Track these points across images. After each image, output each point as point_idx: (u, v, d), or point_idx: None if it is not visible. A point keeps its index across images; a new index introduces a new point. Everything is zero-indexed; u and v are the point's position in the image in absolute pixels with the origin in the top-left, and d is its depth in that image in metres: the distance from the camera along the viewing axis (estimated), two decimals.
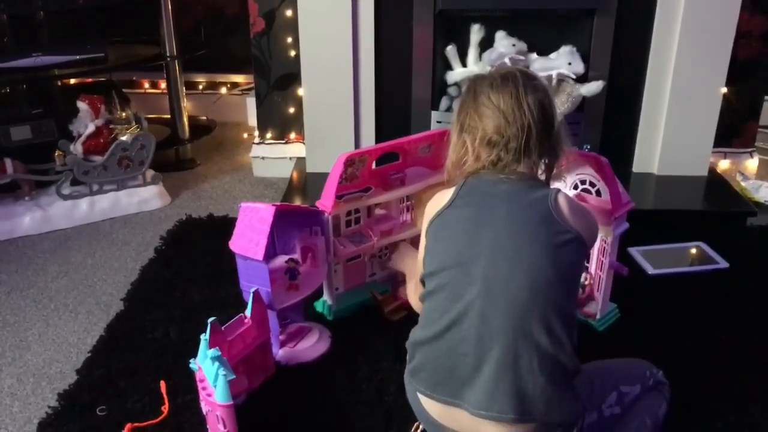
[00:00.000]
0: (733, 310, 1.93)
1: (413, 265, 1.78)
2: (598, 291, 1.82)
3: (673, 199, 2.57)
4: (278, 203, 1.65)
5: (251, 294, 1.58)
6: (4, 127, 2.56)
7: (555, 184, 1.61)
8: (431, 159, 1.96)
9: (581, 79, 2.47)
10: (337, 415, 1.55)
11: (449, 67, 2.56)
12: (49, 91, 2.89)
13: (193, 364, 1.46)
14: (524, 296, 1.23)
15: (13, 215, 2.45)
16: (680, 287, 2.04)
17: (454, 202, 1.33)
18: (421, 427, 1.45)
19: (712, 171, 2.72)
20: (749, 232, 2.39)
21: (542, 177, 1.37)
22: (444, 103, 2.61)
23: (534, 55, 2.49)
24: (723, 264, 2.15)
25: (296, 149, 2.90)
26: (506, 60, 2.40)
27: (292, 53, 2.75)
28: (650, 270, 2.12)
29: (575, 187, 1.80)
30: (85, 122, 2.56)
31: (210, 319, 1.44)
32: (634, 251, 2.20)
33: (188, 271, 2.13)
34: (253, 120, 3.12)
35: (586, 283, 1.84)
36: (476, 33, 2.48)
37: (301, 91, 2.69)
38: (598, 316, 1.83)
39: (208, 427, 1.44)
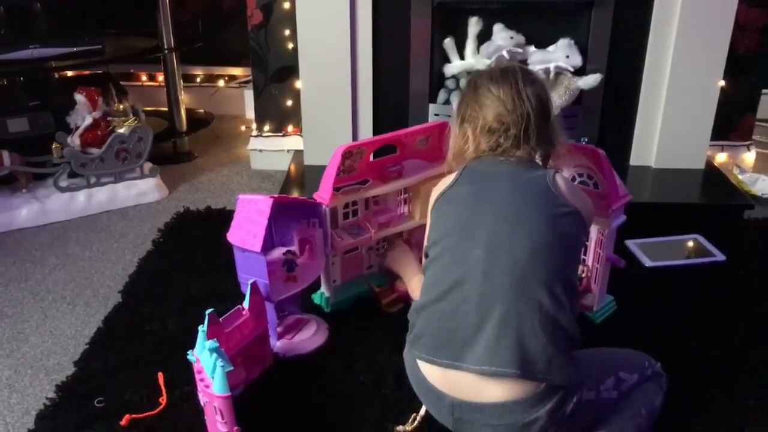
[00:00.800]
0: (730, 303, 1.93)
1: (409, 266, 1.79)
2: (595, 283, 1.83)
3: (670, 192, 2.58)
4: (276, 195, 1.65)
5: (249, 286, 1.58)
6: (1, 119, 2.55)
7: None
8: (429, 151, 1.96)
9: (579, 72, 2.46)
10: (335, 407, 1.56)
11: (447, 60, 2.55)
12: (47, 83, 2.88)
13: (191, 355, 1.46)
14: (526, 256, 1.27)
15: (11, 207, 2.45)
16: (677, 280, 2.04)
17: (457, 181, 1.40)
18: (418, 418, 1.46)
19: (710, 164, 2.72)
20: (746, 225, 2.40)
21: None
22: (442, 95, 2.60)
23: (532, 48, 2.48)
24: (720, 257, 2.15)
25: (294, 142, 2.90)
26: (504, 53, 2.40)
27: (290, 46, 2.74)
28: (647, 262, 2.12)
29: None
30: (83, 114, 2.56)
31: (208, 311, 1.44)
32: (631, 244, 2.21)
33: (186, 264, 2.13)
34: (250, 112, 3.11)
35: (583, 275, 1.84)
36: (474, 26, 2.47)
37: (298, 84, 2.68)
38: (594, 309, 1.83)
39: (206, 418, 1.44)
